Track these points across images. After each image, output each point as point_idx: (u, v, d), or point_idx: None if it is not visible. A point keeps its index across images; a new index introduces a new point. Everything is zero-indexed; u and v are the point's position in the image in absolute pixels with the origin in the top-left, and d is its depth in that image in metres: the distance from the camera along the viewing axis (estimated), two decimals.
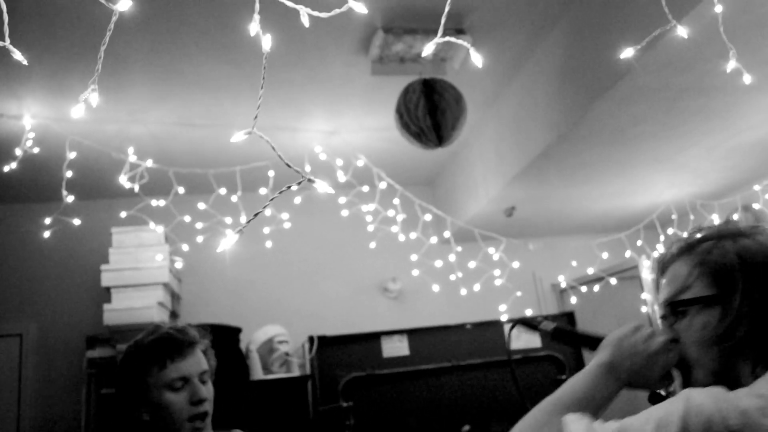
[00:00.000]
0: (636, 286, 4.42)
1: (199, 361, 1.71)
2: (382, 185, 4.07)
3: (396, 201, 4.10)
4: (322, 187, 1.06)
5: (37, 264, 4.64)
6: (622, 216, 4.98)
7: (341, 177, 4.00)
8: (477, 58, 1.24)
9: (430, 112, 3.31)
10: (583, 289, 4.65)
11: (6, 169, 3.42)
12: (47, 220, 3.60)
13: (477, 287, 4.25)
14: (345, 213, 4.05)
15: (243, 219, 3.79)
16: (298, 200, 4.05)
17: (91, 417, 4.17)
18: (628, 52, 2.26)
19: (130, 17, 2.79)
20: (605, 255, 4.39)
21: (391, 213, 4.09)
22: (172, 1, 2.82)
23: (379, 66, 3.46)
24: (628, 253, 4.35)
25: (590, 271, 4.39)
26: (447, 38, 1.27)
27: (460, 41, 1.26)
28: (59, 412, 4.47)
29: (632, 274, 4.42)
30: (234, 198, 3.75)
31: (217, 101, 3.73)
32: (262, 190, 3.79)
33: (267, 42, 1.08)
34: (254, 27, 1.09)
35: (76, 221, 3.58)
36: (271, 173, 3.80)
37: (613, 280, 4.34)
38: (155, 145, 3.84)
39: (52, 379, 4.56)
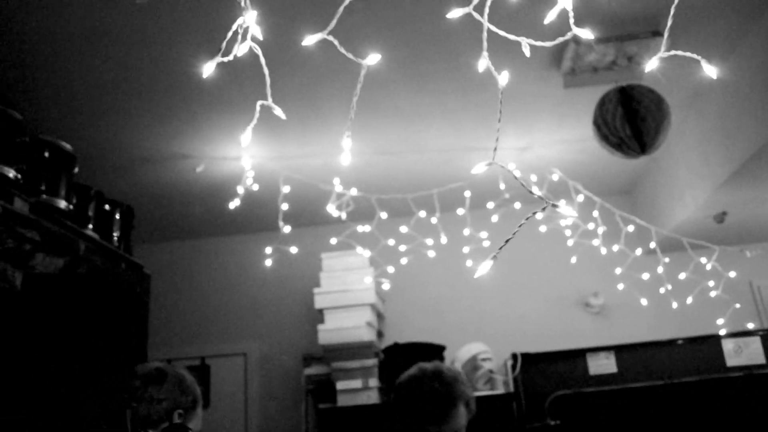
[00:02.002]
0: None
1: None
2: (579, 198, 3.99)
3: (595, 213, 4.00)
4: (566, 211, 1.09)
5: (258, 289, 5.10)
6: None
7: (536, 192, 3.98)
8: (711, 70, 1.20)
9: (629, 120, 3.20)
10: None
11: (232, 206, 3.82)
12: (268, 249, 3.96)
13: (690, 300, 4.00)
14: (543, 228, 4.02)
15: (443, 240, 3.90)
16: (495, 218, 4.10)
17: (310, 430, 4.49)
18: None
19: (322, 54, 3.03)
20: None
21: (591, 226, 3.99)
22: (364, 36, 3.01)
23: (572, 78, 3.41)
24: None
25: None
26: (672, 52, 1.25)
27: (688, 54, 1.23)
28: (281, 424, 4.85)
29: None
30: (434, 220, 3.88)
31: (411, 129, 3.90)
32: (460, 211, 3.88)
33: (504, 79, 1.14)
34: (483, 63, 1.15)
35: (293, 249, 3.91)
36: (467, 194, 3.88)
37: None
38: (357, 175, 4.08)
39: (273, 394, 4.97)
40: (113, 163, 4.00)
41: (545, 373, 4.32)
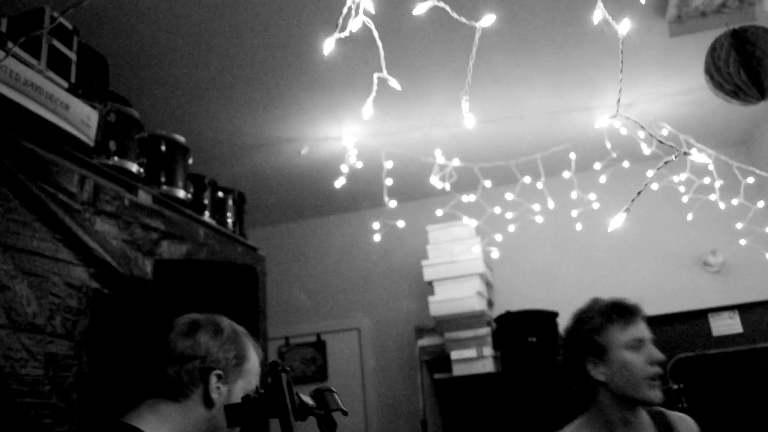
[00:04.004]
0: None
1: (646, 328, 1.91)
2: (692, 152, 3.80)
3: (710, 167, 3.81)
4: (699, 158, 1.07)
5: (367, 265, 5.21)
6: None
7: (645, 150, 3.84)
8: None
9: (744, 65, 3.02)
10: None
11: (338, 185, 3.90)
12: (375, 225, 4.03)
13: None
14: (654, 186, 3.88)
15: (550, 204, 3.84)
16: (603, 179, 3.98)
17: (426, 399, 4.57)
18: None
19: (418, 26, 3.03)
20: None
21: (706, 181, 3.81)
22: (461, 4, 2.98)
23: (678, 26, 3.26)
24: None
25: None
26: None
27: None
28: (398, 395, 4.96)
29: None
30: (539, 185, 3.83)
31: (510, 94, 3.84)
32: (566, 174, 3.81)
33: (624, 26, 1.12)
34: (598, 15, 1.13)
35: (400, 223, 3.96)
36: (572, 156, 3.80)
37: None
38: (458, 145, 4.08)
39: (388, 366, 5.09)
40: (222, 151, 4.18)
41: (665, 336, 4.18)
